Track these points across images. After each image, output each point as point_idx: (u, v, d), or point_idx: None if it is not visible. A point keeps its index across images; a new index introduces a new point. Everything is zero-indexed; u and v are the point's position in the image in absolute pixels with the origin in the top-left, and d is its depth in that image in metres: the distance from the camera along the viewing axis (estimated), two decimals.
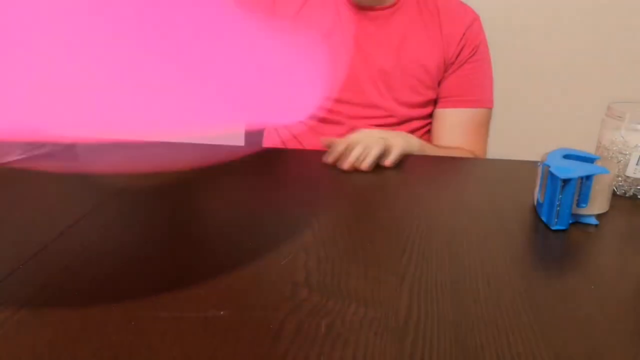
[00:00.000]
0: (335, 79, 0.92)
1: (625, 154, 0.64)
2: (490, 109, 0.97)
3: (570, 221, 0.56)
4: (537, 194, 0.60)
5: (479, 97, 0.95)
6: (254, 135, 1.07)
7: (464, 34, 0.92)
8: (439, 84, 0.95)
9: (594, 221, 0.57)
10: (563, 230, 0.55)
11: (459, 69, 0.94)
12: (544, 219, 0.57)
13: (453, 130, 0.95)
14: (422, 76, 0.93)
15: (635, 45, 1.57)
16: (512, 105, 1.64)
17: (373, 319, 0.40)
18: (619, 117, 0.65)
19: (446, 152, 0.89)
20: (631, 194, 0.65)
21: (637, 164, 0.63)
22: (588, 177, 0.55)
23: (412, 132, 0.93)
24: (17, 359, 0.36)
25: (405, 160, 0.77)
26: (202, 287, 0.44)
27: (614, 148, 0.65)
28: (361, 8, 0.92)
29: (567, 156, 0.59)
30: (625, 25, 1.56)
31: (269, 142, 1.06)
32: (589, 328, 0.40)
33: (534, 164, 0.63)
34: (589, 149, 0.66)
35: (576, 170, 0.54)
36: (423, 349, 0.37)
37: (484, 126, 0.97)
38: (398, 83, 0.93)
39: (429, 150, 0.86)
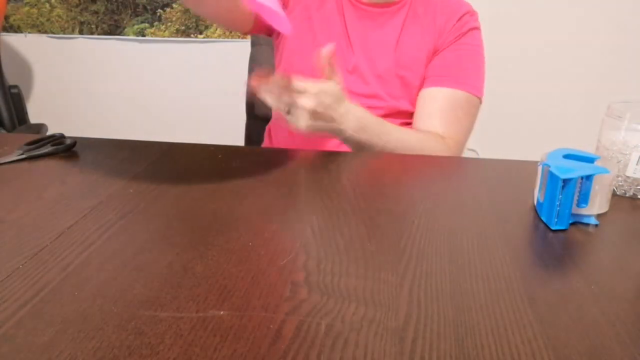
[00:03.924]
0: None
1: (625, 154, 0.64)
2: (474, 96, 0.91)
3: (570, 221, 0.56)
4: (537, 194, 0.60)
5: (460, 80, 0.90)
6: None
7: (455, 23, 0.93)
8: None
9: (594, 221, 0.57)
10: (563, 230, 0.56)
11: (443, 51, 0.93)
12: (544, 218, 0.57)
13: (427, 109, 0.90)
14: (417, 76, 0.93)
15: (636, 45, 1.57)
16: (513, 105, 1.64)
17: (373, 319, 0.41)
18: (619, 117, 0.65)
19: (404, 135, 0.83)
20: (631, 194, 0.65)
21: (637, 164, 0.63)
22: (588, 177, 0.55)
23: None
24: (17, 359, 0.36)
25: (405, 159, 0.77)
26: (202, 287, 0.44)
27: (614, 148, 0.65)
28: (363, 4, 0.93)
29: (567, 156, 0.59)
30: (625, 26, 1.56)
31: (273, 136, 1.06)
32: (589, 328, 0.40)
33: (534, 164, 0.63)
34: (589, 149, 0.66)
35: (576, 170, 0.55)
36: (423, 349, 0.37)
37: (463, 110, 0.90)
38: (395, 83, 0.94)
39: (374, 127, 0.78)
